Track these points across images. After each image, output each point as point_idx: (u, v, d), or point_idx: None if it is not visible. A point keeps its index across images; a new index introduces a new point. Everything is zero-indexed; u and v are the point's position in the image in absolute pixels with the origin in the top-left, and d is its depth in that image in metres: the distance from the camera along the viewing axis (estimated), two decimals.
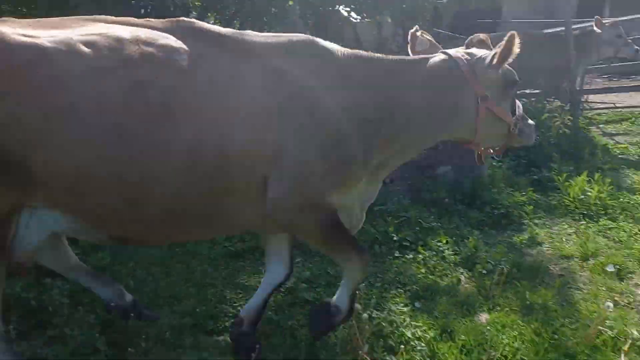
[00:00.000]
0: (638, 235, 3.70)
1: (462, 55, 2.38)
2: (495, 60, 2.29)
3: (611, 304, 2.58)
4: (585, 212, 4.19)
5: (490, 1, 20.01)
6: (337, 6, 8.21)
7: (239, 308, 2.91)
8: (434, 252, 3.51)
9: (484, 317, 2.79)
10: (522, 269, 3.27)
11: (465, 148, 2.56)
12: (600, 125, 7.48)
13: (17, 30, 1.85)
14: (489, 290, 2.98)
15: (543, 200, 4.49)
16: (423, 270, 3.33)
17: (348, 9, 8.40)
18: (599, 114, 8.06)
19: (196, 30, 2.13)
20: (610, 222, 3.99)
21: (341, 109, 2.19)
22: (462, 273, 3.29)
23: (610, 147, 6.08)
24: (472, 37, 2.66)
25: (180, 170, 1.96)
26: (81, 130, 1.84)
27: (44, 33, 1.88)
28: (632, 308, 2.88)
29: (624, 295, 2.99)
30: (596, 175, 4.50)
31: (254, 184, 2.09)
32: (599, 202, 4.24)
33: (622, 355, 2.32)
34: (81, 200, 1.95)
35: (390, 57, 2.42)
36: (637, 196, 4.42)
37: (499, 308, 2.86)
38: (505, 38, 2.22)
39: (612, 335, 2.50)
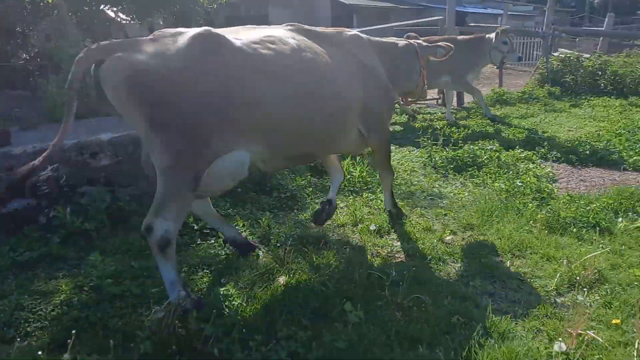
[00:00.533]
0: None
1: (414, 42, 4.28)
2: (429, 48, 4.26)
3: (375, 254, 3.30)
4: (352, 189, 5.05)
5: (257, 8, 21.22)
6: (102, 6, 7.81)
7: (40, 313, 2.79)
8: None
9: (282, 279, 3.23)
10: (308, 239, 3.84)
11: None
12: None
13: (229, 36, 2.86)
14: (284, 258, 3.43)
15: (320, 182, 5.21)
16: (225, 252, 3.64)
17: (115, 9, 8.07)
18: None
19: (309, 31, 3.46)
20: (371, 194, 4.91)
21: (384, 71, 3.83)
22: (260, 249, 3.69)
23: None
24: (408, 33, 4.58)
25: (327, 114, 3.26)
26: (280, 92, 2.93)
27: (241, 37, 2.93)
28: (390, 256, 3.68)
29: (384, 247, 3.79)
30: (358, 158, 5.45)
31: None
32: (361, 180, 5.16)
33: (386, 289, 3.00)
34: (275, 137, 3.00)
35: (388, 40, 4.30)
36: None
37: (292, 271, 3.34)
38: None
39: (379, 275, 3.20)
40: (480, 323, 2.70)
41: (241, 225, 4.04)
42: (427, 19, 10.86)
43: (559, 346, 2.46)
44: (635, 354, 2.46)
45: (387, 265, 3.47)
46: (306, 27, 3.49)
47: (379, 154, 4.01)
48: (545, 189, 4.86)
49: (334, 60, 3.33)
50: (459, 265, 3.52)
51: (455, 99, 9.85)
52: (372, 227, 4.02)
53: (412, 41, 4.30)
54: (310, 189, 5.00)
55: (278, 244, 3.75)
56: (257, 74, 2.83)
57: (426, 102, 10.15)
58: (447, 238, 3.92)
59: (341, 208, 4.59)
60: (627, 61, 11.24)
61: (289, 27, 3.39)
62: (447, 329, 2.71)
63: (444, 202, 4.77)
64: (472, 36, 8.59)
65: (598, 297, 3.03)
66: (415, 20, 12.83)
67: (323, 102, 3.19)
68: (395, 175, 4.56)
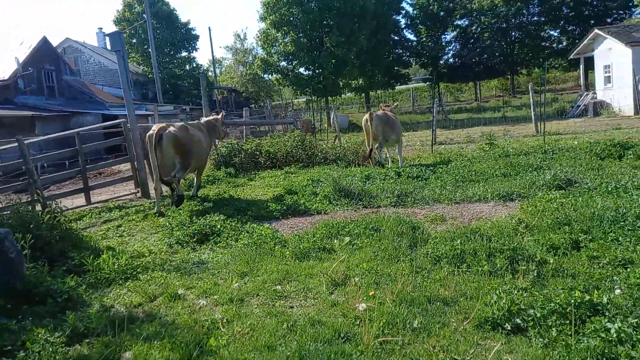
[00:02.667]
0: None
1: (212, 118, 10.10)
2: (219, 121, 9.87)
3: None
4: None
5: None
6: None
7: None
8: None
9: None
10: None
11: None
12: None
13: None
14: None
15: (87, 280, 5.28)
16: None
17: None
18: None
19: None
20: None
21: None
22: None
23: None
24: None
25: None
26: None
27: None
28: None
29: None
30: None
31: None
32: None
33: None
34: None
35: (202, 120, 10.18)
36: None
37: None
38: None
39: None
40: None
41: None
42: (113, 122, 11.49)
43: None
44: None
45: None
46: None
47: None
48: (277, 236, 6.35)
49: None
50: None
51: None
52: None
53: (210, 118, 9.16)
54: (84, 286, 5.04)
55: None
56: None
57: (125, 196, 10.62)
58: (235, 285, 4.85)
59: None
60: (273, 142, 14.51)
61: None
62: None
63: (205, 266, 5.63)
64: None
65: None
66: (101, 124, 13.25)
67: None
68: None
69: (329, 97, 33.95)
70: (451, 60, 55.08)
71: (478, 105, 40.43)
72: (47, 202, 6.97)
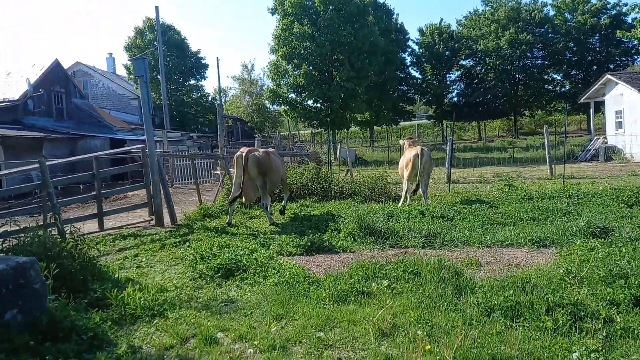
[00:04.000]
0: None
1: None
2: None
3: None
4: None
5: None
6: None
7: None
8: None
9: None
10: None
11: None
12: None
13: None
14: None
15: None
16: None
17: None
18: None
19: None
20: None
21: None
22: None
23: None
24: None
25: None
26: None
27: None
28: None
29: None
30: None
31: None
32: None
33: None
34: None
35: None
36: None
37: None
38: None
39: None
40: None
41: None
42: (133, 147, 11.31)
43: None
44: None
45: None
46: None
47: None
48: (309, 275, 6.05)
49: None
50: None
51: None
52: None
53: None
54: (109, 322, 4.72)
55: None
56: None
57: (139, 224, 10.34)
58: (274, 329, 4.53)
59: None
60: (288, 173, 14.28)
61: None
62: None
63: (235, 305, 5.32)
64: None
65: None
66: (122, 149, 13.16)
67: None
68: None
69: (336, 130, 34.00)
70: (455, 99, 55.73)
71: (484, 144, 40.49)
72: (66, 228, 6.67)
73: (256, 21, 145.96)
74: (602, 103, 25.77)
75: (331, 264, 6.89)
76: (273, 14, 34.04)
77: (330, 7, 31.11)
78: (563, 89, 53.16)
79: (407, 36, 52.41)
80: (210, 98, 46.40)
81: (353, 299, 5.16)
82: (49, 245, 5.82)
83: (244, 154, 9.79)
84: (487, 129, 58.82)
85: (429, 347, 3.81)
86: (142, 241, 8.94)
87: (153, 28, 41.04)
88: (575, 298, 4.41)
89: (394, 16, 46.62)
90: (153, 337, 4.55)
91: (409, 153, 11.91)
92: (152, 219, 10.51)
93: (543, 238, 7.51)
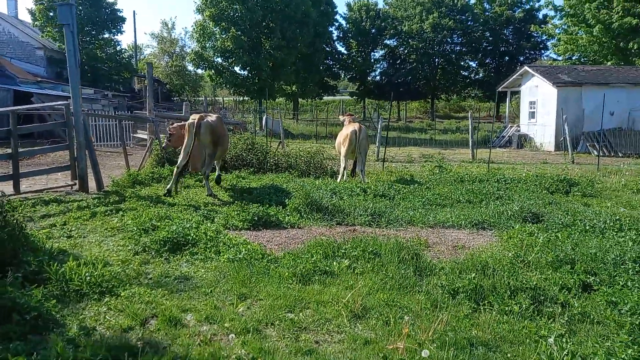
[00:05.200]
0: None
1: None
2: None
3: None
4: None
5: None
6: None
7: None
8: None
9: None
10: None
11: None
12: None
13: None
14: None
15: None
16: None
17: None
18: None
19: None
20: None
21: None
22: None
23: None
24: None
25: None
26: None
27: None
28: None
29: None
30: None
31: None
32: None
33: None
34: None
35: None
36: None
37: None
38: None
39: None
40: None
41: None
42: (57, 103, 10.18)
43: None
44: None
45: None
46: None
47: None
48: (266, 253, 5.86)
49: None
50: None
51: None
52: None
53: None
54: (53, 300, 4.23)
55: None
56: None
57: (60, 188, 9.45)
58: (240, 309, 4.33)
59: None
60: None
61: None
62: None
63: (191, 282, 5.01)
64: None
65: None
66: (45, 104, 11.79)
67: None
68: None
69: (263, 100, 33.31)
70: (378, 77, 56.77)
71: (405, 124, 41.81)
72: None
73: None
74: (517, 93, 27.47)
75: (282, 240, 6.73)
76: None
77: None
78: (477, 76, 56.01)
79: (335, 9, 52.14)
80: (127, 55, 43.28)
81: (317, 278, 5.06)
82: None
83: (196, 121, 9.19)
84: (406, 109, 60.72)
85: (407, 330, 3.82)
86: (68, 208, 8.17)
87: None
88: (534, 283, 4.64)
89: None
90: (106, 317, 4.16)
91: (346, 129, 11.90)
92: (75, 184, 9.66)
93: (481, 221, 7.86)
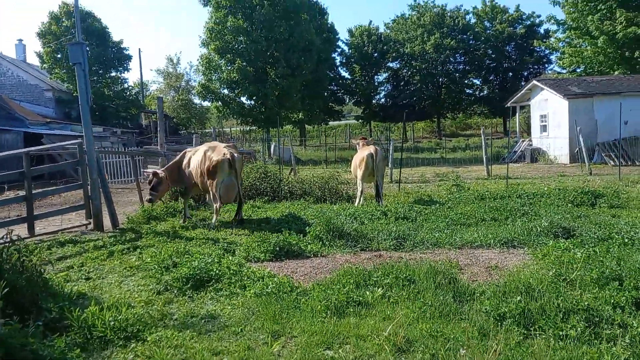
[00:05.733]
0: None
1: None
2: None
3: None
4: None
5: None
6: None
7: None
8: None
9: None
10: None
11: None
12: None
13: None
14: None
15: None
16: None
17: None
18: None
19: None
20: None
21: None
22: None
23: None
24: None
25: None
26: None
27: None
28: None
29: None
30: None
31: None
32: None
33: None
34: None
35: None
36: None
37: None
38: None
39: None
40: None
41: None
42: (69, 143, 10.15)
43: None
44: None
45: None
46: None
47: None
48: (294, 285, 5.60)
49: None
50: None
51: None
52: None
53: None
54: (77, 350, 3.98)
55: None
56: None
57: (75, 228, 9.29)
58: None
59: None
60: None
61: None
62: None
63: (219, 321, 4.74)
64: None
65: None
66: (58, 144, 11.80)
67: None
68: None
69: (270, 128, 33.37)
70: (383, 100, 56.94)
71: (414, 145, 41.67)
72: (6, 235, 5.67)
73: (182, 13, 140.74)
74: (525, 107, 27.26)
75: (307, 271, 6.46)
76: (205, 5, 32.69)
77: (266, 2, 30.41)
78: (482, 94, 56.04)
79: (337, 36, 52.71)
80: (134, 92, 43.84)
81: (352, 310, 4.78)
82: None
83: (228, 155, 9.24)
84: (413, 130, 60.70)
85: None
86: (84, 248, 7.99)
87: (70, 14, 38.11)
88: (586, 303, 4.33)
89: (326, 15, 46.71)
90: None
91: (362, 152, 11.72)
92: (90, 223, 9.48)
93: (511, 239, 7.57)
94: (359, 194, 11.41)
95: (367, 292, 5.13)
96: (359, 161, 11.57)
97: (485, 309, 4.53)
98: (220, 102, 33.23)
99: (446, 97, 54.84)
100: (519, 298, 4.53)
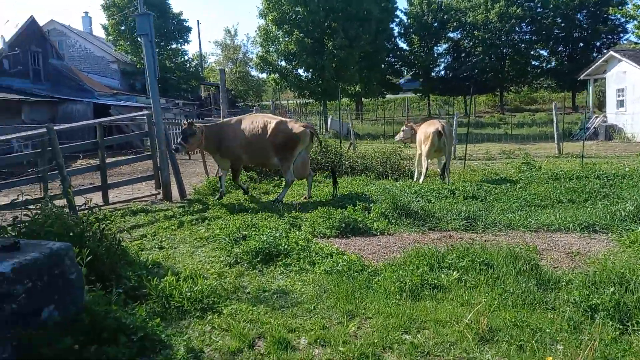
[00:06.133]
0: None
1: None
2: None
3: None
4: None
5: None
6: None
7: None
8: None
9: None
10: None
11: None
12: None
13: None
14: None
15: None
16: None
17: None
18: None
19: None
20: None
21: None
22: None
23: None
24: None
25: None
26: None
27: None
28: None
29: None
30: None
31: None
32: None
33: None
34: None
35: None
36: None
37: None
38: None
39: None
40: None
41: None
42: (138, 114, 10.45)
43: None
44: None
45: None
46: None
47: None
48: (365, 264, 5.49)
49: None
50: None
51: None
52: None
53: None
54: (157, 319, 4.06)
55: None
56: None
57: (145, 197, 9.58)
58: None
59: None
60: None
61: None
62: None
63: (290, 297, 4.71)
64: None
65: None
66: (128, 115, 12.19)
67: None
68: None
69: (327, 101, 33.13)
70: (442, 72, 55.10)
71: (476, 120, 40.21)
72: (85, 204, 5.87)
73: None
74: (597, 81, 25.51)
75: (375, 249, 6.34)
76: None
77: None
78: (549, 66, 53.03)
79: (395, 5, 51.14)
80: (194, 64, 44.66)
81: (427, 293, 4.61)
82: (70, 225, 5.07)
83: (307, 129, 9.23)
84: (474, 104, 58.61)
85: (551, 359, 3.30)
86: (155, 217, 8.22)
87: None
88: None
89: None
90: (212, 337, 3.93)
91: (428, 128, 11.31)
92: (159, 193, 9.75)
93: (592, 223, 7.09)
94: (424, 170, 11.08)
95: (442, 275, 4.94)
96: (424, 137, 11.19)
97: (574, 299, 4.24)
98: (277, 74, 33.22)
99: (510, 69, 52.32)
100: (612, 289, 4.19)
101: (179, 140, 9.35)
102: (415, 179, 11.36)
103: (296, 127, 9.14)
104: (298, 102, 49.12)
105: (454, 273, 4.97)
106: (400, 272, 5.01)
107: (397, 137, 12.96)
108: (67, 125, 9.95)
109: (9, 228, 5.23)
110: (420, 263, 5.19)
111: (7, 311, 3.34)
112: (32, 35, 26.84)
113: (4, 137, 7.50)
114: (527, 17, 49.13)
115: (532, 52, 52.83)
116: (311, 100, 39.31)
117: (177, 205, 9.03)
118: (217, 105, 41.41)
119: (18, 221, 5.34)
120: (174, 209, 8.70)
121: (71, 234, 4.92)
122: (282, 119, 9.75)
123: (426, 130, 11.23)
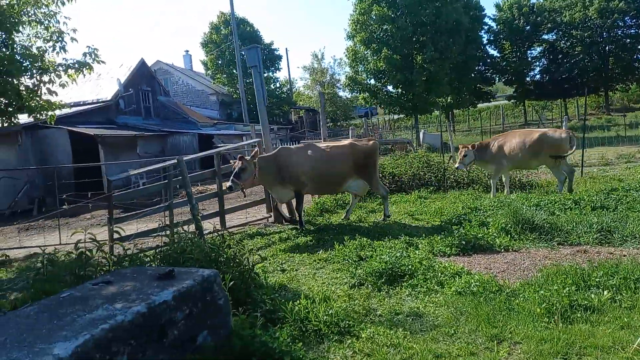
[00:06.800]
0: None
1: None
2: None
3: None
4: None
5: None
6: None
7: None
8: None
9: None
10: None
11: None
12: None
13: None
14: None
15: None
16: None
17: None
18: None
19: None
20: None
21: None
22: None
23: None
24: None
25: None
26: None
27: None
28: None
29: None
30: None
31: None
32: None
33: None
34: None
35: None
36: None
37: None
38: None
39: None
40: None
41: None
42: (246, 142, 11.04)
43: None
44: None
45: None
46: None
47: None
48: (495, 283, 5.21)
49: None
50: None
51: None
52: None
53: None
54: (299, 343, 4.12)
55: None
56: None
57: (258, 221, 9.94)
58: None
59: None
60: (395, 162, 13.44)
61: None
62: None
63: (426, 320, 4.56)
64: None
65: None
66: (239, 144, 13.02)
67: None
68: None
69: (418, 115, 32.66)
70: (538, 76, 52.22)
71: (582, 123, 37.46)
72: (219, 230, 6.20)
73: (324, 8, 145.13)
74: None
75: (502, 267, 6.00)
76: None
77: None
78: None
79: (483, 12, 49.60)
80: (285, 90, 46.31)
81: (579, 315, 4.25)
82: (207, 251, 5.36)
83: (372, 144, 9.57)
84: (572, 107, 54.76)
85: None
86: (271, 240, 8.47)
87: (227, 22, 41.42)
88: None
89: None
90: None
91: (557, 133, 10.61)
92: (271, 216, 10.06)
93: None
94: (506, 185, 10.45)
95: (592, 295, 4.54)
96: (551, 144, 10.39)
97: None
98: (367, 93, 33.40)
99: (615, 67, 48.34)
100: None
101: (231, 177, 8.45)
102: (506, 193, 10.75)
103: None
104: (386, 118, 48.95)
105: (605, 293, 4.55)
106: (543, 292, 4.68)
107: (458, 164, 11.21)
108: (192, 156, 10.66)
109: (150, 255, 5.63)
110: (563, 282, 4.82)
111: (170, 337, 3.55)
112: (143, 75, 29.35)
113: (140, 170, 8.23)
114: (631, 10, 45.30)
115: (639, 47, 48.45)
116: (401, 116, 38.96)
117: (289, 227, 9.25)
118: (308, 127, 42.45)
119: (158, 249, 5.74)
120: (287, 232, 8.92)
121: (209, 259, 5.20)
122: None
123: (559, 136, 10.47)
